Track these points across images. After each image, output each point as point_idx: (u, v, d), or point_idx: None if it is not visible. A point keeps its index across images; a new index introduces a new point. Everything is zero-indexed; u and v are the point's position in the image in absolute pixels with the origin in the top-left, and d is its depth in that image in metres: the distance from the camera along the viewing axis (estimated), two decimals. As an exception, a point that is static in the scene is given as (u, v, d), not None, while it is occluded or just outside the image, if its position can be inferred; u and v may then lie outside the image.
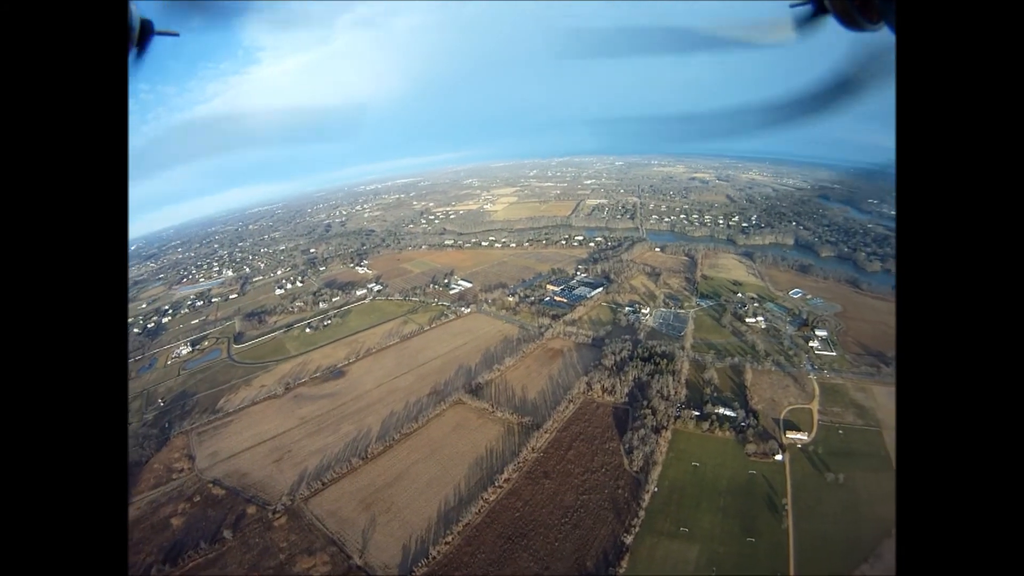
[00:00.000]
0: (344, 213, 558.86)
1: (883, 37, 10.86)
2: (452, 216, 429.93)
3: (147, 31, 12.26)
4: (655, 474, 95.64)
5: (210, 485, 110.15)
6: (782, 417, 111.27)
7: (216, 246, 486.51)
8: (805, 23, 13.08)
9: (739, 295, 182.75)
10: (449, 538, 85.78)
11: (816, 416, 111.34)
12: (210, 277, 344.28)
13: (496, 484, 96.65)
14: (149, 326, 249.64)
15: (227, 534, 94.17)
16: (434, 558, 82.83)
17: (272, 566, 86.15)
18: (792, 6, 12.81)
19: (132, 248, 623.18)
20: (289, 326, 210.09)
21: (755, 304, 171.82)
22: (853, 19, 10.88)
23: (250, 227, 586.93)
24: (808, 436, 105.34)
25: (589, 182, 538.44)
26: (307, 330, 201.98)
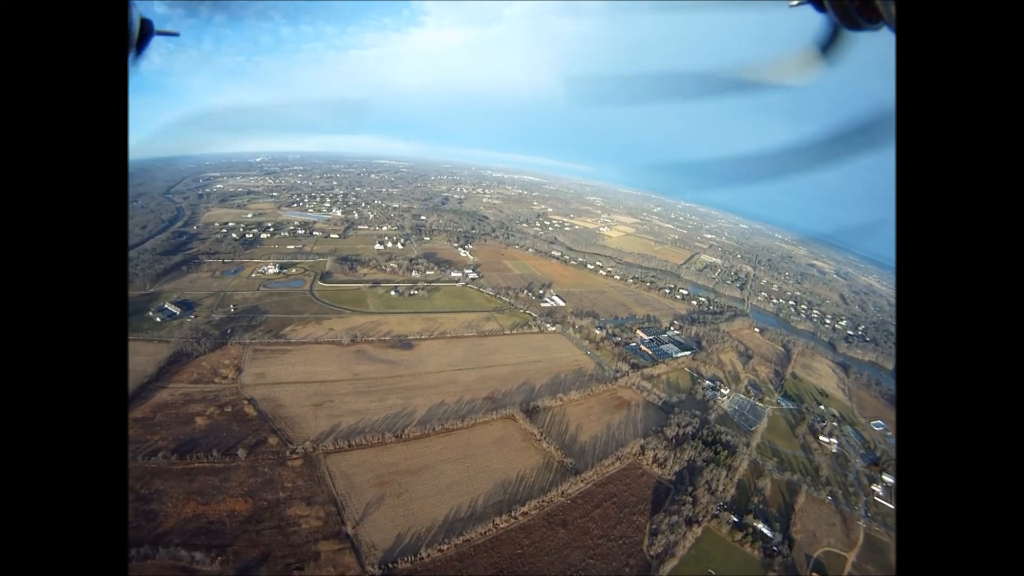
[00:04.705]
0: (464, 192, 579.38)
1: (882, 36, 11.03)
2: (567, 228, 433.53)
3: (147, 31, 12.71)
4: (668, 567, 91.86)
5: (245, 402, 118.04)
6: (815, 556, 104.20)
7: (334, 183, 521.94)
8: (819, 59, 13.56)
9: (822, 407, 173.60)
10: (444, 546, 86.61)
11: (848, 569, 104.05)
12: (319, 211, 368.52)
13: (512, 514, 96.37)
14: (248, 236, 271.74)
15: (241, 453, 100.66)
16: (421, 559, 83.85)
17: (268, 500, 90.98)
18: (791, 6, 13.23)
19: (256, 160, 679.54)
20: (376, 283, 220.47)
21: (834, 423, 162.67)
22: (852, 19, 11.14)
23: (372, 176, 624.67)
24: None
25: (709, 236, 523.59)
26: (392, 292, 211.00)
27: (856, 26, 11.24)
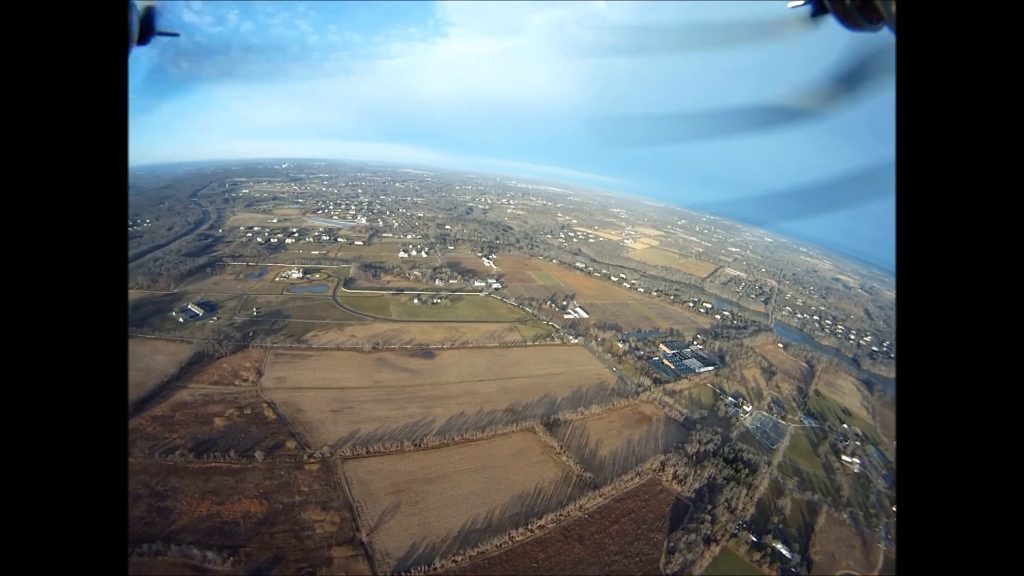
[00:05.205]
0: (489, 202, 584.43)
1: (883, 36, 11.40)
2: (591, 240, 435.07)
3: (147, 31, 13.00)
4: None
5: (264, 405, 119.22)
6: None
7: (359, 191, 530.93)
8: (807, 22, 13.73)
9: (845, 426, 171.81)
10: (459, 557, 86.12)
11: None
12: (343, 218, 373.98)
13: (529, 527, 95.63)
14: (272, 241, 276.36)
15: (258, 455, 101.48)
16: (435, 570, 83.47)
17: (283, 503, 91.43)
18: (791, 7, 13.43)
19: (282, 167, 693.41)
20: (399, 290, 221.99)
21: (857, 442, 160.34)
22: (853, 19, 11.40)
23: (397, 184, 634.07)
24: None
25: (734, 250, 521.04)
26: (415, 301, 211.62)
27: (856, 26, 11.52)
